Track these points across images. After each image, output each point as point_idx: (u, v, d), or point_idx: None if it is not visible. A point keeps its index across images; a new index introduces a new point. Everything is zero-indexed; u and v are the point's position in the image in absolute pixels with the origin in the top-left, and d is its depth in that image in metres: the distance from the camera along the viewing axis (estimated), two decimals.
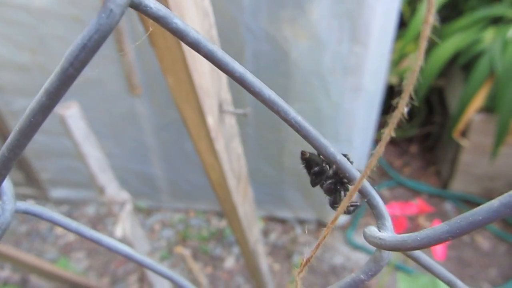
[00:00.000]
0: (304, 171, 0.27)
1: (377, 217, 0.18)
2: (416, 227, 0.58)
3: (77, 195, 1.69)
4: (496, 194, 1.73)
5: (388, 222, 0.17)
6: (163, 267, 0.24)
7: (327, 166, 0.26)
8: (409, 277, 1.09)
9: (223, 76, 0.40)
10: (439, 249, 0.56)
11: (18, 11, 1.20)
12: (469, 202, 1.62)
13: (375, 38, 1.11)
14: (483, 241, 1.48)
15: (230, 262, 1.52)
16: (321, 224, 1.62)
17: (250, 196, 0.62)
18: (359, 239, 1.53)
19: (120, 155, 1.52)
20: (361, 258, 1.47)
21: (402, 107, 0.15)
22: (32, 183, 1.69)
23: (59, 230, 1.63)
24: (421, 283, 1.08)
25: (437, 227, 0.14)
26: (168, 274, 0.24)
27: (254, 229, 0.72)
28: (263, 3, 1.07)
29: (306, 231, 1.63)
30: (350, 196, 0.16)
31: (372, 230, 0.17)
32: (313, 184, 0.27)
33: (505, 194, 0.12)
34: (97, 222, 1.64)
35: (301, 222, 1.63)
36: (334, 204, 0.26)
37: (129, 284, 1.43)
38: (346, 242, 1.53)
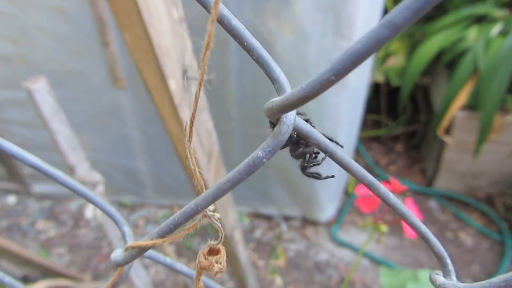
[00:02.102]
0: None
1: (278, 91, 0.17)
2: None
3: (60, 190, 1.66)
4: (479, 191, 1.73)
5: None
6: (76, 182, 0.23)
7: (294, 132, 0.25)
8: (391, 271, 1.09)
9: (187, 40, 0.39)
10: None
11: (0, 0, 1.19)
12: (453, 200, 1.62)
13: (359, 33, 1.12)
14: (467, 237, 1.48)
15: None
16: (306, 221, 1.62)
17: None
18: (344, 236, 1.53)
19: (104, 149, 1.50)
20: (345, 255, 1.46)
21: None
22: (14, 177, 1.66)
23: (40, 225, 1.60)
24: (403, 277, 1.07)
25: (321, 70, 0.13)
26: (78, 188, 0.23)
27: (230, 215, 0.71)
28: None
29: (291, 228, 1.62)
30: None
31: (271, 101, 0.17)
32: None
33: (393, 8, 0.11)
34: (80, 218, 1.62)
35: (286, 218, 1.62)
36: (304, 170, 0.26)
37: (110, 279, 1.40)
38: (330, 239, 1.53)
